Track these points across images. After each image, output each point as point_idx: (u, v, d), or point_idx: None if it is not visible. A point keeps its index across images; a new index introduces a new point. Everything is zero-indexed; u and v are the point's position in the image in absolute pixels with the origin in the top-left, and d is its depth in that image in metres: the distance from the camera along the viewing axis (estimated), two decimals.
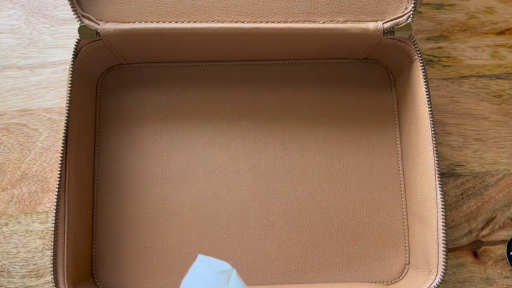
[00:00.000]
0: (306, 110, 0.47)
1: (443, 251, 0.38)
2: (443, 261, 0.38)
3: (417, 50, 0.42)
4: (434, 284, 0.38)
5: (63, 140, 0.40)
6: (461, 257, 0.46)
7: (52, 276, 0.38)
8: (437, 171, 0.39)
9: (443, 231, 0.38)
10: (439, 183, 0.39)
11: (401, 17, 0.41)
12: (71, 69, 0.41)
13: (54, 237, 0.39)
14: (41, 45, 0.50)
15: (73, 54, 0.41)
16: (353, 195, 0.45)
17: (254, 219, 0.44)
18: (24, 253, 0.46)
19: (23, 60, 0.50)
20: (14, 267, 0.45)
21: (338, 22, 0.42)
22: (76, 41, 0.41)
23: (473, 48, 0.51)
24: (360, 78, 0.47)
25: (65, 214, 0.39)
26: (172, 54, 0.46)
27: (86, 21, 0.41)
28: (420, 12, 0.52)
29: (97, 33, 0.41)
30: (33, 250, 0.46)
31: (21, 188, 0.47)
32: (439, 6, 0.52)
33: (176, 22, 0.42)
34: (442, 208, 0.39)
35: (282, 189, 0.45)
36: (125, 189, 0.45)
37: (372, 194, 0.45)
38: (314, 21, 0.42)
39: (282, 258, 0.44)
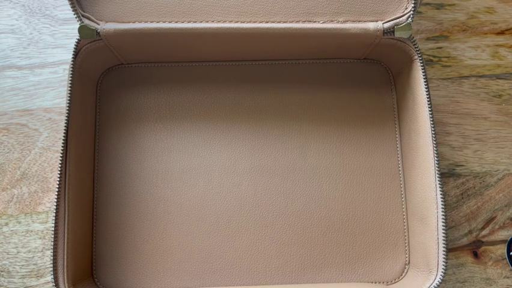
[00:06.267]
0: (306, 110, 0.47)
1: (443, 251, 0.38)
2: (443, 261, 0.38)
3: (417, 50, 0.42)
4: (434, 284, 0.38)
5: (63, 140, 0.40)
6: (461, 257, 0.46)
7: (52, 276, 0.38)
8: (437, 171, 0.39)
9: (443, 231, 0.38)
10: (439, 183, 0.39)
11: (401, 17, 0.41)
12: (71, 69, 0.41)
13: (54, 237, 0.39)
14: (41, 45, 0.50)
15: (73, 54, 0.41)
16: (353, 195, 0.45)
17: (254, 219, 0.44)
18: (24, 253, 0.46)
19: (23, 60, 0.50)
20: (14, 267, 0.45)
21: (338, 22, 0.42)
22: (76, 41, 0.41)
23: (473, 48, 0.51)
24: (360, 78, 0.47)
25: (65, 214, 0.39)
26: (172, 54, 0.46)
27: (86, 21, 0.41)
28: (420, 12, 0.52)
29: (97, 33, 0.41)
30: (33, 250, 0.46)
31: (21, 188, 0.47)
32: (439, 6, 0.52)
33: (176, 22, 0.42)
34: (442, 208, 0.39)
35: (282, 189, 0.45)
36: (125, 189, 0.45)
37: (372, 194, 0.45)
38: (314, 21, 0.42)
39: (282, 258, 0.44)
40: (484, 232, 0.47)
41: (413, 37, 0.42)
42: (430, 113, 0.40)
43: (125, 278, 0.44)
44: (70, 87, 0.41)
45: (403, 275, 0.44)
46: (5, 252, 0.46)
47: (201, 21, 0.42)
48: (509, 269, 0.46)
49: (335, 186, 0.45)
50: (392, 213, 0.45)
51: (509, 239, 0.46)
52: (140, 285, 0.43)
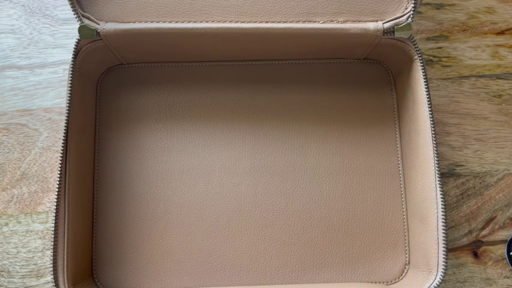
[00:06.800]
0: (306, 110, 0.47)
1: (443, 251, 0.38)
2: (443, 261, 0.38)
3: (417, 50, 0.42)
4: (434, 284, 0.38)
5: (63, 140, 0.40)
6: (461, 257, 0.46)
7: (52, 276, 0.38)
8: (437, 171, 0.39)
9: (443, 231, 0.38)
10: (439, 183, 0.39)
11: (401, 17, 0.41)
12: (71, 69, 0.41)
13: (54, 237, 0.39)
14: (41, 45, 0.50)
15: (73, 54, 0.41)
16: (353, 195, 0.45)
17: (254, 219, 0.44)
18: (24, 253, 0.46)
19: (23, 60, 0.50)
20: (14, 267, 0.45)
21: (338, 22, 0.42)
22: (76, 41, 0.41)
23: (473, 48, 0.51)
24: (360, 78, 0.47)
25: (65, 214, 0.39)
26: (172, 54, 0.46)
27: (86, 21, 0.41)
28: (420, 12, 0.52)
29: (97, 33, 0.41)
30: (33, 250, 0.46)
31: (21, 188, 0.47)
32: (439, 6, 0.52)
33: (176, 22, 0.42)
34: (442, 208, 0.39)
35: (282, 189, 0.45)
36: (125, 189, 0.45)
37: (372, 194, 0.45)
38: (314, 21, 0.42)
39: (282, 258, 0.44)
40: (484, 232, 0.47)
41: (413, 37, 0.42)
42: (430, 113, 0.40)
43: (125, 278, 0.44)
44: (70, 87, 0.41)
45: (403, 275, 0.44)
46: (5, 252, 0.46)
47: (201, 21, 0.42)
48: (509, 269, 0.46)
49: (335, 186, 0.45)
50: (392, 213, 0.45)
51: (509, 239, 0.46)
52: (140, 285, 0.43)
